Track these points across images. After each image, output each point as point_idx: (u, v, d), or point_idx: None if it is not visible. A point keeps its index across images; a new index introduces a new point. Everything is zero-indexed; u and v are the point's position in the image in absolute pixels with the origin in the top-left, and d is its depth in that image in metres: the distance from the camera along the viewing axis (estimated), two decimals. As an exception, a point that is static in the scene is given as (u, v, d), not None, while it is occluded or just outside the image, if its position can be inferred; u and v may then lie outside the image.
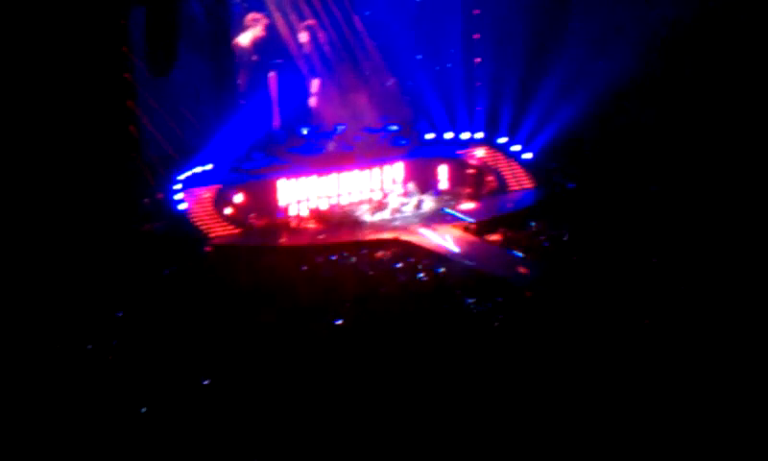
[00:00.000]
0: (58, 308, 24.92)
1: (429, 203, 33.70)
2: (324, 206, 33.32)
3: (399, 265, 28.54)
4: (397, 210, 33.25)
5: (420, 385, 20.47)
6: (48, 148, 30.14)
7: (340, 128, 35.39)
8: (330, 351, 22.54)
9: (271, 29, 35.41)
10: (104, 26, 31.23)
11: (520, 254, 28.70)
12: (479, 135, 36.67)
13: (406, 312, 24.67)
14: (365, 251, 29.85)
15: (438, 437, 18.56)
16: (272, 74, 35.44)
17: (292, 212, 33.04)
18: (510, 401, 19.61)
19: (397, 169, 34.33)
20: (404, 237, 30.64)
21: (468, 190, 34.61)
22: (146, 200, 31.88)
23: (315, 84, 36.05)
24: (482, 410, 19.31)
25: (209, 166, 33.63)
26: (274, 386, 20.91)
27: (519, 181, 35.01)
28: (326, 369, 21.58)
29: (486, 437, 18.46)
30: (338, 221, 32.82)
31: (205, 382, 21.27)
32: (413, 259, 28.81)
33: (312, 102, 36.05)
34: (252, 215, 32.50)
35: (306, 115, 36.05)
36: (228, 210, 32.35)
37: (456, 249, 29.35)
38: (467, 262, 28.24)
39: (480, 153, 36.09)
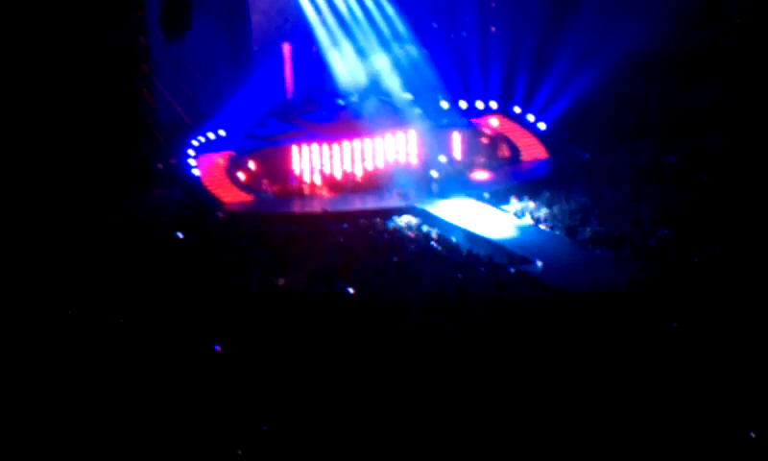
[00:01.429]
0: (72, 272, 24.97)
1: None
2: (337, 173, 33.22)
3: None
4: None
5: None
6: (63, 111, 30.21)
7: (354, 96, 35.26)
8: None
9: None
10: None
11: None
12: (493, 105, 36.49)
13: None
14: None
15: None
16: (286, 46, 35.27)
17: (306, 178, 32.98)
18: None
19: (411, 137, 34.18)
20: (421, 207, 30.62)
21: (481, 159, 34.46)
22: (160, 165, 31.90)
23: (333, 54, 35.83)
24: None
25: (223, 132, 33.59)
26: (283, 356, 20.94)
27: (533, 151, 34.88)
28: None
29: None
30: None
31: (217, 348, 21.34)
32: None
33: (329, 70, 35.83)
34: (266, 181, 32.48)
35: (320, 84, 35.90)
36: (241, 176, 32.33)
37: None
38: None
39: (494, 122, 35.93)
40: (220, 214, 30.46)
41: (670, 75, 36.60)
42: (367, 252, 27.03)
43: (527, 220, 29.41)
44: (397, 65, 36.33)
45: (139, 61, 32.13)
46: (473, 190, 32.14)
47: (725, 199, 29.54)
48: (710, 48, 36.55)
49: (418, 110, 35.72)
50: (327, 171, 33.19)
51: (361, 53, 36.07)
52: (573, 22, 36.44)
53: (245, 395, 18.98)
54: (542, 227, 28.93)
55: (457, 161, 34.40)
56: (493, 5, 37.76)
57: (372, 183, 33.06)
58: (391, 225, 29.57)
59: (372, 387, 19.06)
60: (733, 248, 25.98)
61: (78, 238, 26.96)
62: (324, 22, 35.82)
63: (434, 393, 18.74)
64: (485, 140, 35.19)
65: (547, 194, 30.69)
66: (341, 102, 35.30)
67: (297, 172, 32.94)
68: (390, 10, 36.66)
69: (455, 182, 32.74)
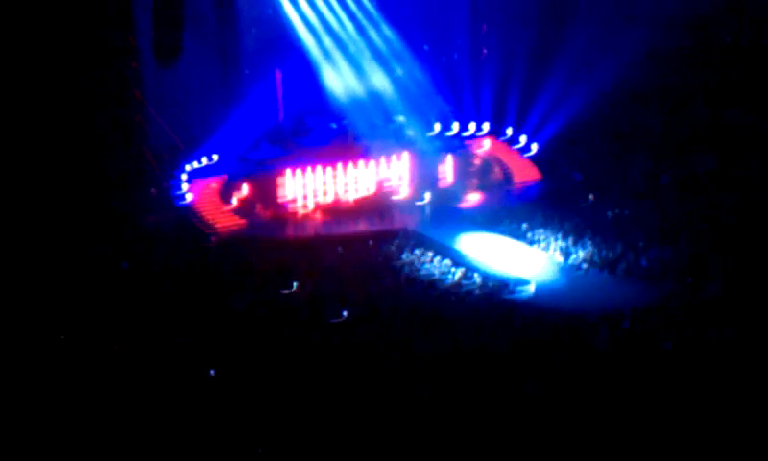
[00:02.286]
0: (62, 298, 24.91)
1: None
2: (329, 197, 33.25)
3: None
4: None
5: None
6: (56, 136, 30.19)
7: (346, 120, 35.36)
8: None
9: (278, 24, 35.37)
10: (110, 15, 31.23)
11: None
12: (485, 127, 36.60)
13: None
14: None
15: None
16: (278, 71, 35.33)
17: (299, 202, 32.99)
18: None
19: (403, 160, 34.21)
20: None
21: (473, 182, 34.53)
22: (153, 190, 31.88)
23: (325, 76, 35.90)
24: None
25: (215, 157, 33.63)
26: (276, 378, 20.95)
27: (525, 172, 34.95)
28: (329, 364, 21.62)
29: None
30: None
31: (211, 372, 21.34)
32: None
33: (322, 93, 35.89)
34: (259, 206, 32.48)
35: (312, 108, 35.96)
36: (234, 201, 32.34)
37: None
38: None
39: (486, 144, 36.05)
40: (213, 239, 30.44)
41: (658, 98, 36.71)
42: (360, 276, 27.02)
43: (520, 242, 29.46)
44: (390, 88, 36.44)
45: (132, 87, 32.11)
46: (466, 212, 32.23)
47: (715, 218, 29.78)
48: (697, 73, 36.65)
49: (410, 133, 35.84)
50: (320, 195, 33.22)
51: (354, 75, 36.16)
52: (564, 46, 36.55)
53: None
54: (536, 248, 28.98)
55: (450, 184, 34.49)
56: (485, 28, 37.82)
57: (366, 207, 33.08)
58: (384, 248, 29.53)
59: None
60: (726, 266, 26.17)
61: (72, 264, 26.90)
62: (317, 44, 35.89)
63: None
64: (477, 162, 35.31)
65: (540, 216, 30.73)
66: (333, 125, 35.37)
67: (289, 196, 32.94)
68: (384, 32, 36.79)
69: (448, 205, 32.84)
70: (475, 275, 26.97)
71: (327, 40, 36.11)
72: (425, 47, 37.81)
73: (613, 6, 37.28)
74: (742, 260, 26.42)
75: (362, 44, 36.65)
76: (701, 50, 36.79)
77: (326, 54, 35.95)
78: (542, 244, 29.05)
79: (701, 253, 27.33)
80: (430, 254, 28.56)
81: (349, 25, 36.58)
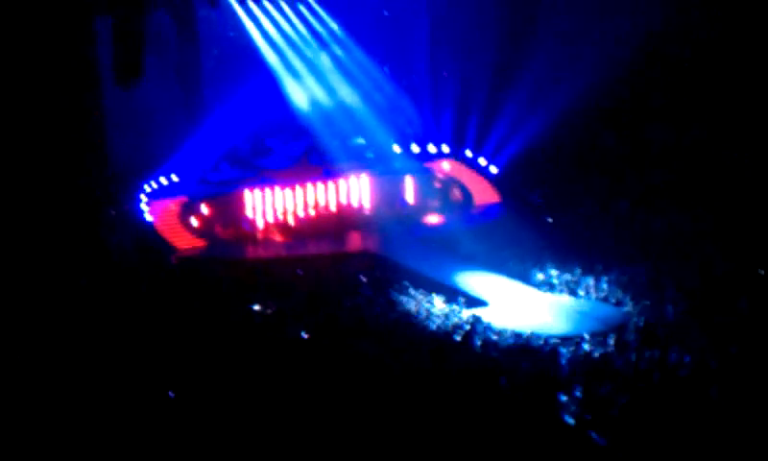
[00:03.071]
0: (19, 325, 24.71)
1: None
2: (290, 218, 33.30)
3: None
4: None
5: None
6: (12, 157, 29.98)
7: (307, 141, 35.42)
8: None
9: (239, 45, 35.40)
10: (69, 36, 31.12)
11: None
12: (445, 149, 36.78)
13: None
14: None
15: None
16: (238, 90, 35.35)
17: (257, 224, 33.01)
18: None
19: (364, 182, 34.34)
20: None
21: (434, 203, 34.69)
22: (112, 211, 31.75)
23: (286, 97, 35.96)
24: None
25: (175, 178, 33.56)
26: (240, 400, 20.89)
27: (485, 194, 35.14)
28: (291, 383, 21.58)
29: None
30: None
31: (171, 395, 21.23)
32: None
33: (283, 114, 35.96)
34: (219, 226, 32.46)
35: (273, 129, 35.99)
36: (194, 222, 32.28)
37: None
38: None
39: (446, 166, 36.21)
40: (173, 260, 30.37)
41: (618, 118, 37.03)
42: (319, 296, 27.06)
43: (479, 263, 29.60)
44: (351, 109, 36.53)
45: (91, 109, 32.01)
46: (426, 234, 32.37)
47: (675, 238, 30.14)
48: (657, 92, 37.04)
49: (371, 154, 35.95)
50: (280, 216, 33.29)
51: (316, 96, 36.25)
52: (523, 67, 36.81)
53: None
54: (494, 270, 29.12)
55: (410, 205, 34.66)
56: (444, 50, 38.02)
57: (326, 228, 33.20)
58: (344, 269, 29.59)
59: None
60: (686, 287, 26.47)
61: (30, 286, 26.71)
62: (279, 64, 35.95)
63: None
64: (437, 184, 35.48)
65: (498, 237, 30.91)
66: (294, 146, 35.41)
67: (250, 217, 33.00)
68: (346, 53, 36.91)
69: (408, 226, 32.98)
70: (434, 296, 27.10)
71: (290, 61, 36.20)
72: (385, 69, 37.93)
73: (573, 24, 37.54)
74: (702, 281, 26.76)
75: (325, 65, 36.77)
76: (657, 68, 37.14)
77: (289, 74, 36.02)
78: (502, 266, 29.21)
79: (660, 273, 27.65)
80: (390, 274, 28.65)
81: (313, 45, 36.67)
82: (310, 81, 36.30)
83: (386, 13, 38.46)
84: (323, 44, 36.90)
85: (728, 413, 19.81)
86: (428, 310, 26.35)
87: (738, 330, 23.19)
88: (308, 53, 36.63)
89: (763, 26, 35.34)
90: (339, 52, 36.99)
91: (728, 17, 35.93)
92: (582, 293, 27.37)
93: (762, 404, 19.91)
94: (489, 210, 34.27)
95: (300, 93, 35.99)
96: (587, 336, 23.90)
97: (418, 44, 38.86)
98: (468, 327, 24.77)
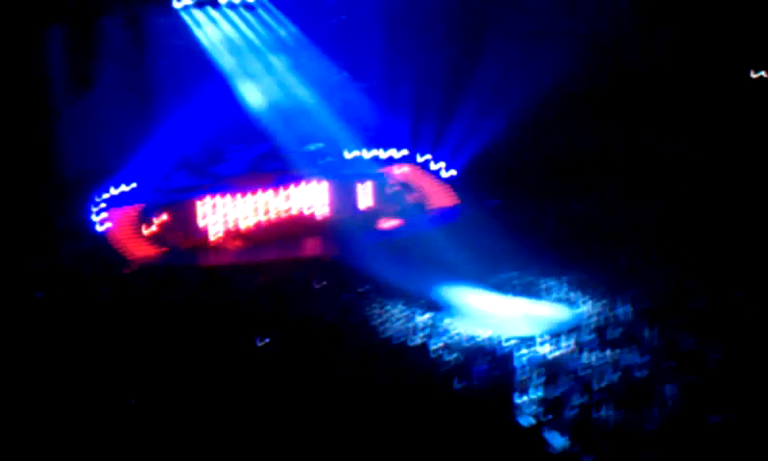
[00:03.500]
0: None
1: None
2: (247, 225, 33.15)
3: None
4: None
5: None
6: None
7: (262, 147, 35.29)
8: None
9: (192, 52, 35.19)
10: (21, 43, 30.89)
11: None
12: (403, 153, 36.77)
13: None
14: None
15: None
16: (194, 97, 35.18)
17: (214, 231, 32.83)
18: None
19: (320, 187, 34.23)
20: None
21: (391, 208, 34.64)
22: (65, 220, 31.47)
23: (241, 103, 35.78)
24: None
25: (130, 186, 33.31)
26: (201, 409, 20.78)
27: (443, 198, 35.16)
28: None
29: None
30: None
31: (132, 402, 21.09)
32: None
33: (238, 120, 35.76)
34: (175, 234, 32.25)
35: (228, 136, 35.81)
36: (149, 230, 32.06)
37: None
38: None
39: (403, 170, 36.20)
40: (127, 269, 30.12)
41: (575, 119, 37.17)
42: (274, 303, 26.96)
43: (437, 266, 29.55)
44: (308, 113, 36.42)
45: (45, 115, 31.77)
46: (383, 238, 32.32)
47: (631, 239, 30.33)
48: (615, 91, 37.27)
49: (328, 159, 35.84)
50: (236, 223, 33.10)
51: (271, 101, 36.09)
52: (479, 69, 36.90)
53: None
54: (452, 273, 29.08)
55: (367, 210, 34.56)
56: (401, 55, 37.99)
57: (282, 234, 33.02)
58: (301, 275, 29.48)
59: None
60: (642, 288, 26.64)
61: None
62: (233, 70, 35.75)
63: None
64: (394, 188, 35.40)
65: (456, 240, 30.88)
66: (248, 152, 35.27)
67: (205, 224, 32.77)
68: (303, 57, 36.78)
69: (365, 231, 32.90)
70: (391, 300, 27.07)
71: (244, 65, 36.02)
72: (343, 73, 37.84)
73: (528, 23, 37.64)
74: (658, 282, 26.94)
75: (280, 69, 36.63)
76: (615, 70, 37.37)
77: (244, 79, 35.85)
78: (460, 269, 29.20)
79: (617, 274, 27.80)
80: (346, 279, 28.56)
81: (268, 49, 36.51)
82: (266, 86, 36.11)
83: (344, 17, 38.36)
84: (279, 48, 36.72)
85: (683, 411, 20.00)
86: (386, 314, 26.29)
87: (692, 330, 23.38)
88: (264, 57, 36.43)
89: (713, 30, 35.78)
90: (295, 56, 36.81)
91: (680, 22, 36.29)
92: (539, 294, 27.39)
93: (716, 399, 20.13)
94: (446, 213, 34.25)
95: (256, 98, 35.79)
96: (543, 337, 23.97)
97: (375, 49, 38.79)
98: (425, 331, 24.77)
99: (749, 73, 36.25)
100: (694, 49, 36.15)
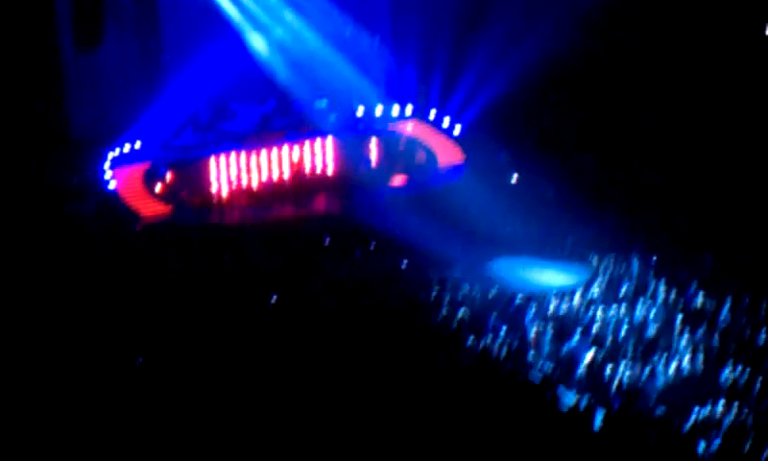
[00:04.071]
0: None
1: None
2: (254, 182, 33.14)
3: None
4: None
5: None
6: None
7: (270, 104, 35.23)
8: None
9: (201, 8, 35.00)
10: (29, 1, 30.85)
11: None
12: (409, 110, 36.68)
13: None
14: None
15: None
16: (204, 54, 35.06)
17: (223, 189, 32.85)
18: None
19: (328, 144, 34.21)
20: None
21: (398, 165, 34.63)
22: (74, 178, 31.50)
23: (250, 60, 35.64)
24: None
25: (138, 144, 33.28)
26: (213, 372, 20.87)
27: (449, 155, 35.11)
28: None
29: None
30: None
31: (139, 360, 21.18)
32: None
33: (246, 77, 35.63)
34: (183, 192, 32.28)
35: (237, 93, 35.72)
36: (158, 188, 32.09)
37: None
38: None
39: (410, 127, 36.12)
40: (138, 226, 30.21)
41: (584, 80, 36.95)
42: (286, 258, 27.04)
43: (445, 223, 29.60)
44: (315, 71, 36.31)
45: (51, 74, 31.70)
46: (390, 195, 32.35)
47: (639, 193, 30.36)
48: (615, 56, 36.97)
49: (334, 116, 35.78)
50: (246, 180, 33.09)
51: (280, 59, 35.98)
52: (488, 26, 36.66)
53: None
54: (460, 230, 29.14)
55: (374, 167, 34.56)
56: (408, 11, 37.79)
57: (292, 192, 33.07)
58: (311, 230, 29.52)
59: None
60: (651, 242, 26.69)
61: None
62: (242, 27, 35.57)
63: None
64: (401, 146, 35.37)
65: (464, 197, 30.92)
66: (257, 109, 35.20)
67: (214, 182, 32.78)
68: (309, 16, 36.60)
69: (372, 188, 32.92)
70: (400, 256, 27.14)
71: (253, 22, 35.86)
72: (348, 31, 37.66)
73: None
74: (668, 236, 26.99)
75: (289, 23, 36.46)
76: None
77: (252, 34, 35.70)
78: (468, 226, 29.26)
79: (625, 228, 27.83)
80: (356, 236, 28.63)
81: (277, 2, 36.28)
82: (274, 41, 35.94)
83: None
84: (288, 1, 36.49)
85: (692, 366, 20.12)
86: (397, 271, 26.38)
87: (702, 285, 23.46)
88: (273, 11, 36.19)
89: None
90: (304, 11, 36.59)
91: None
92: (550, 250, 27.43)
93: (726, 354, 20.25)
94: (454, 171, 34.22)
95: (265, 54, 35.65)
96: (555, 293, 24.06)
97: (380, 5, 38.63)
98: (436, 288, 24.87)
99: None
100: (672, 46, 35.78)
